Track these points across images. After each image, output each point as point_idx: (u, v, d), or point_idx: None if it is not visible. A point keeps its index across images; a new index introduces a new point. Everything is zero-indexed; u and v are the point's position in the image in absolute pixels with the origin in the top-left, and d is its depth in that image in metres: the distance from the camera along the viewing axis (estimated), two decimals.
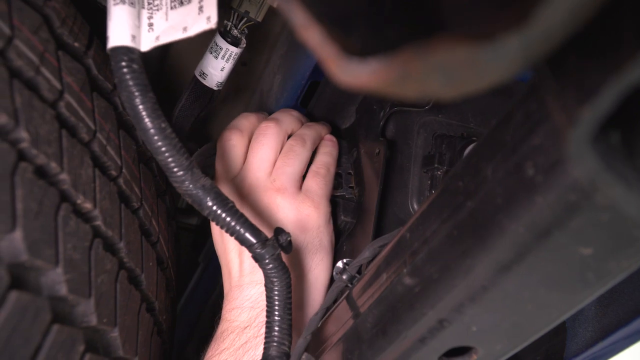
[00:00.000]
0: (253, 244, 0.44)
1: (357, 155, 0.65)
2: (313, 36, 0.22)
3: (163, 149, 0.41)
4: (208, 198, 0.43)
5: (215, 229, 0.61)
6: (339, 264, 0.53)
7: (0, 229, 0.34)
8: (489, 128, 0.60)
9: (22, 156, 0.37)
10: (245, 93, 0.82)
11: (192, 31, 0.44)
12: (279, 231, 0.47)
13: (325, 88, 0.71)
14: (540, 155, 0.27)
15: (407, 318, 0.38)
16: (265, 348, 0.46)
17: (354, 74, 0.20)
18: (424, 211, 0.40)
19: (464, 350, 0.39)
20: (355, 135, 0.66)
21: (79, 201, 0.42)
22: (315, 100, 0.73)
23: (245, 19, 0.62)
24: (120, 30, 0.42)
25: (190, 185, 0.42)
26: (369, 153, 0.61)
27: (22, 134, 0.37)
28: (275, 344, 0.45)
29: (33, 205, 0.37)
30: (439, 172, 0.57)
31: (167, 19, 0.44)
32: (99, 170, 0.45)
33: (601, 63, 0.20)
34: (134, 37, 0.42)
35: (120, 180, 0.48)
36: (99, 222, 0.44)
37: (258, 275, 0.56)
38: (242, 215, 0.44)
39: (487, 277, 0.33)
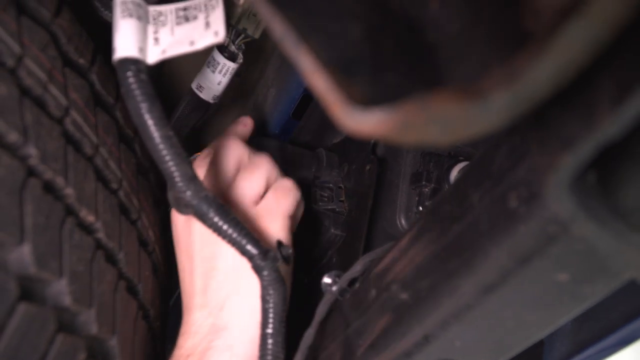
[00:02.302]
0: (254, 255, 0.44)
1: (347, 170, 0.67)
2: (319, 82, 0.24)
3: (167, 157, 0.41)
4: (211, 210, 0.43)
5: (181, 244, 0.57)
6: (325, 278, 0.54)
7: (10, 242, 0.36)
8: (474, 149, 0.62)
9: (31, 172, 0.39)
10: (238, 104, 0.84)
11: (199, 45, 0.45)
12: (280, 244, 0.48)
13: (319, 102, 0.73)
14: (522, 188, 0.30)
15: (394, 333, 0.41)
16: None
17: (358, 121, 0.22)
18: (413, 231, 0.42)
19: None
20: (347, 150, 0.68)
21: (82, 214, 0.43)
22: (309, 114, 0.75)
23: (243, 35, 0.64)
24: (128, 41, 0.43)
25: (193, 196, 0.42)
26: (360, 169, 0.64)
27: (31, 150, 0.39)
28: (269, 357, 0.45)
29: (41, 219, 0.38)
30: (426, 189, 0.60)
31: (172, 34, 0.45)
32: (101, 184, 0.46)
33: (580, 118, 0.22)
34: (141, 49, 0.43)
35: (121, 193, 0.50)
36: (100, 235, 0.45)
37: (208, 296, 0.54)
38: (244, 227, 0.44)
39: (471, 296, 0.35)
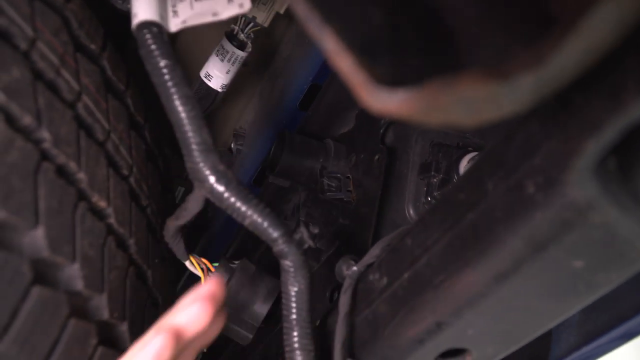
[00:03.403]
0: (276, 239, 0.39)
1: (355, 160, 0.67)
2: (345, 63, 0.24)
3: (185, 120, 0.37)
4: (228, 188, 0.38)
5: None
6: (341, 264, 0.53)
7: (24, 225, 0.36)
8: (485, 140, 0.62)
9: (44, 156, 0.39)
10: (245, 94, 0.84)
11: (224, 15, 0.43)
12: (308, 223, 0.45)
13: (326, 93, 0.72)
14: (540, 175, 0.30)
15: (407, 321, 0.41)
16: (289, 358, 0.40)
17: (383, 102, 0.22)
18: (426, 219, 0.42)
19: (459, 351, 0.41)
20: (355, 140, 0.68)
21: (94, 199, 0.43)
22: (316, 104, 0.75)
23: (252, 24, 0.64)
24: (148, 7, 0.40)
25: (206, 167, 0.37)
26: (368, 159, 0.64)
27: (45, 134, 0.39)
28: (297, 349, 0.41)
29: (54, 203, 0.38)
30: (435, 180, 0.59)
31: (192, 8, 0.43)
32: (112, 170, 0.46)
33: (605, 102, 0.22)
34: (161, 16, 0.41)
35: (131, 179, 0.50)
36: (112, 220, 0.45)
37: None
38: (266, 207, 0.39)
39: (485, 285, 0.35)
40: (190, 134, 0.37)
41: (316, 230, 0.44)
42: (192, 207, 0.43)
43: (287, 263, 0.40)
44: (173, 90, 0.38)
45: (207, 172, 0.38)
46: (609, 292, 0.34)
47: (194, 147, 0.37)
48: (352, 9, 0.27)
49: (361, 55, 0.24)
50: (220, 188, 0.38)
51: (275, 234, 0.39)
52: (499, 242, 0.33)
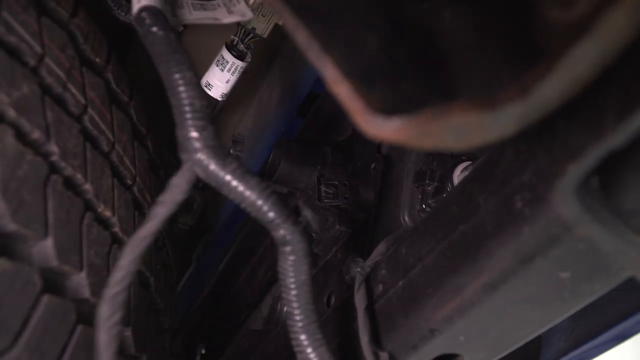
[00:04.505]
0: (280, 224, 0.35)
1: (352, 167, 0.68)
2: (343, 91, 0.25)
3: (181, 86, 0.34)
4: (224, 167, 0.33)
5: None
6: (350, 264, 0.54)
7: (34, 237, 0.37)
8: (479, 149, 0.64)
9: (53, 169, 0.40)
10: (243, 101, 0.85)
11: (225, 21, 0.45)
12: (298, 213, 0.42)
13: (324, 101, 0.74)
14: (528, 191, 0.31)
15: (401, 327, 0.42)
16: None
17: (379, 128, 0.24)
18: (420, 229, 0.44)
19: (452, 356, 0.42)
20: (352, 148, 0.70)
21: (100, 209, 0.44)
22: (314, 112, 0.76)
23: (252, 34, 0.65)
24: None
25: (200, 139, 0.33)
26: (365, 167, 0.65)
27: (53, 147, 0.40)
28: (312, 354, 0.37)
29: (62, 214, 0.40)
30: (429, 188, 0.61)
31: (191, 14, 0.45)
32: (116, 180, 0.48)
33: (587, 130, 0.24)
34: (164, 9, 0.40)
35: (135, 189, 0.51)
36: (116, 229, 0.46)
37: None
38: (267, 187, 0.34)
39: (475, 294, 0.36)
40: (186, 101, 0.33)
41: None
42: (177, 189, 0.35)
43: (288, 250, 0.36)
44: (170, 57, 0.35)
45: (199, 145, 0.33)
46: (597, 299, 0.35)
47: (188, 115, 0.33)
48: (350, 35, 0.28)
49: (359, 82, 0.25)
50: (215, 164, 0.33)
51: (275, 217, 0.34)
52: (489, 254, 0.35)
